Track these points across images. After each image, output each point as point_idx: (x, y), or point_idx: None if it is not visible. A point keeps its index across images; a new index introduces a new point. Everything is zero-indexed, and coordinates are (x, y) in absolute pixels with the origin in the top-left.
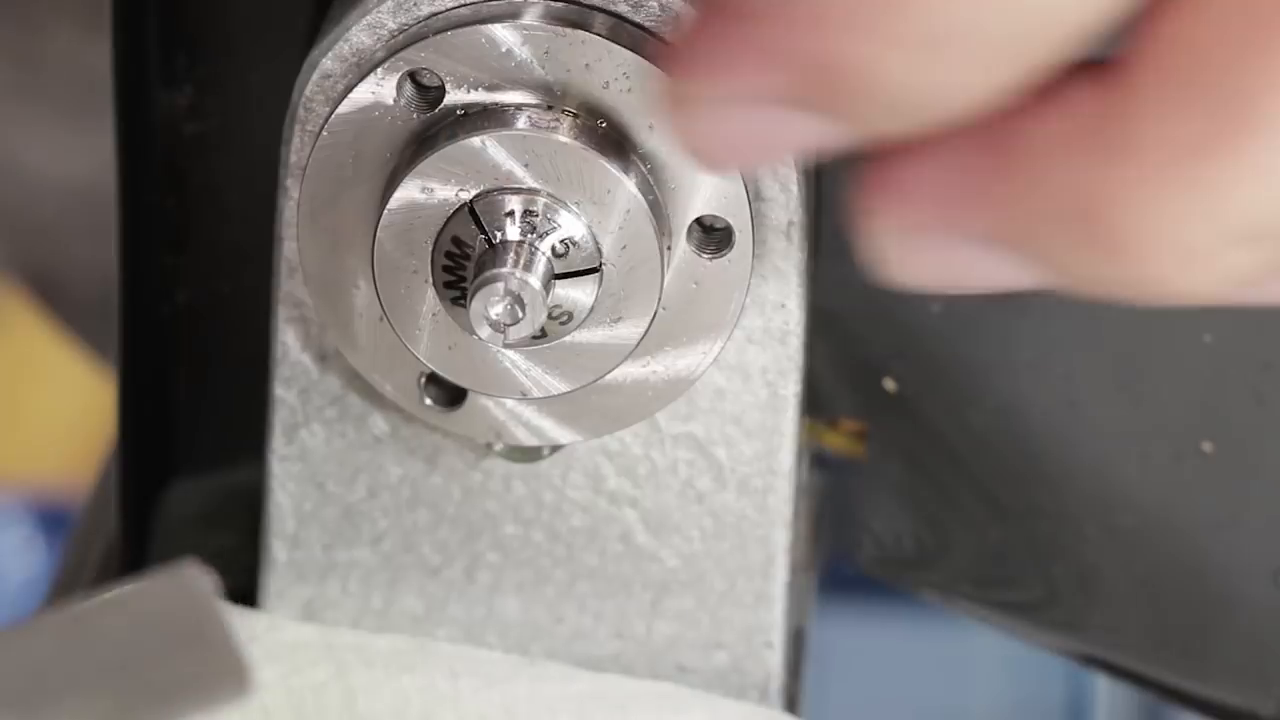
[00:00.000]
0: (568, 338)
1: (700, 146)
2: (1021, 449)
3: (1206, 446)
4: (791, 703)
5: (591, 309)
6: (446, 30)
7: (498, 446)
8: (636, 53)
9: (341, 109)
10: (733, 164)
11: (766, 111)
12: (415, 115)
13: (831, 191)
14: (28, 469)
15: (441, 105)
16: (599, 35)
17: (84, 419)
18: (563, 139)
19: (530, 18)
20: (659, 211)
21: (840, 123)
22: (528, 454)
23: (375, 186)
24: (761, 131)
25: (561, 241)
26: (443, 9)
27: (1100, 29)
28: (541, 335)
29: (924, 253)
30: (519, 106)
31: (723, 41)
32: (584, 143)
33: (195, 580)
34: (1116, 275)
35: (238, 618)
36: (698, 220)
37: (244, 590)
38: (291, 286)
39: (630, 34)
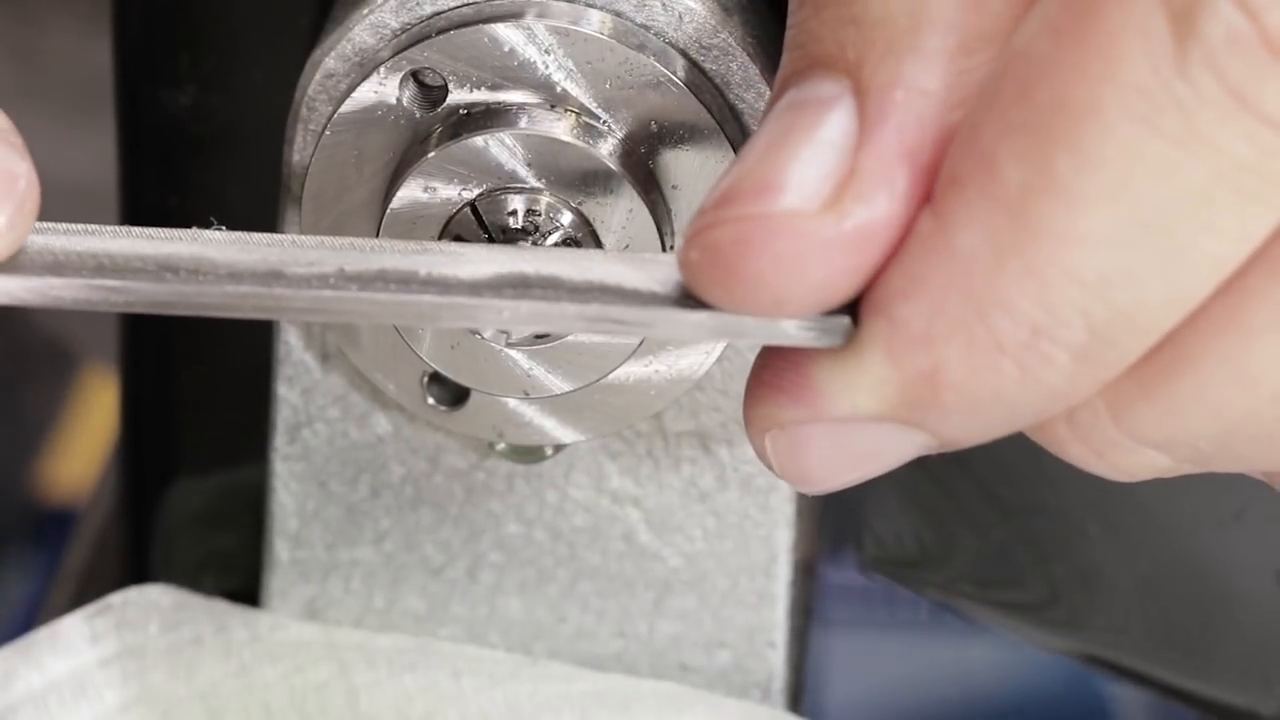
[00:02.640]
0: (570, 337)
1: (794, 470)
2: (1023, 448)
3: None
4: (793, 702)
5: None
6: (449, 30)
7: (500, 446)
8: (640, 52)
9: (344, 108)
10: (829, 485)
11: (869, 430)
12: (418, 114)
13: None
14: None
15: (444, 104)
16: (601, 35)
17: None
18: (565, 138)
19: (533, 17)
20: (661, 210)
21: (935, 434)
22: (530, 454)
23: (378, 186)
24: (863, 451)
25: (564, 240)
26: (445, 8)
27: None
28: (544, 335)
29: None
30: (521, 106)
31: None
32: (586, 142)
33: None
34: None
35: (240, 617)
36: None
37: (247, 589)
38: None
39: (633, 33)
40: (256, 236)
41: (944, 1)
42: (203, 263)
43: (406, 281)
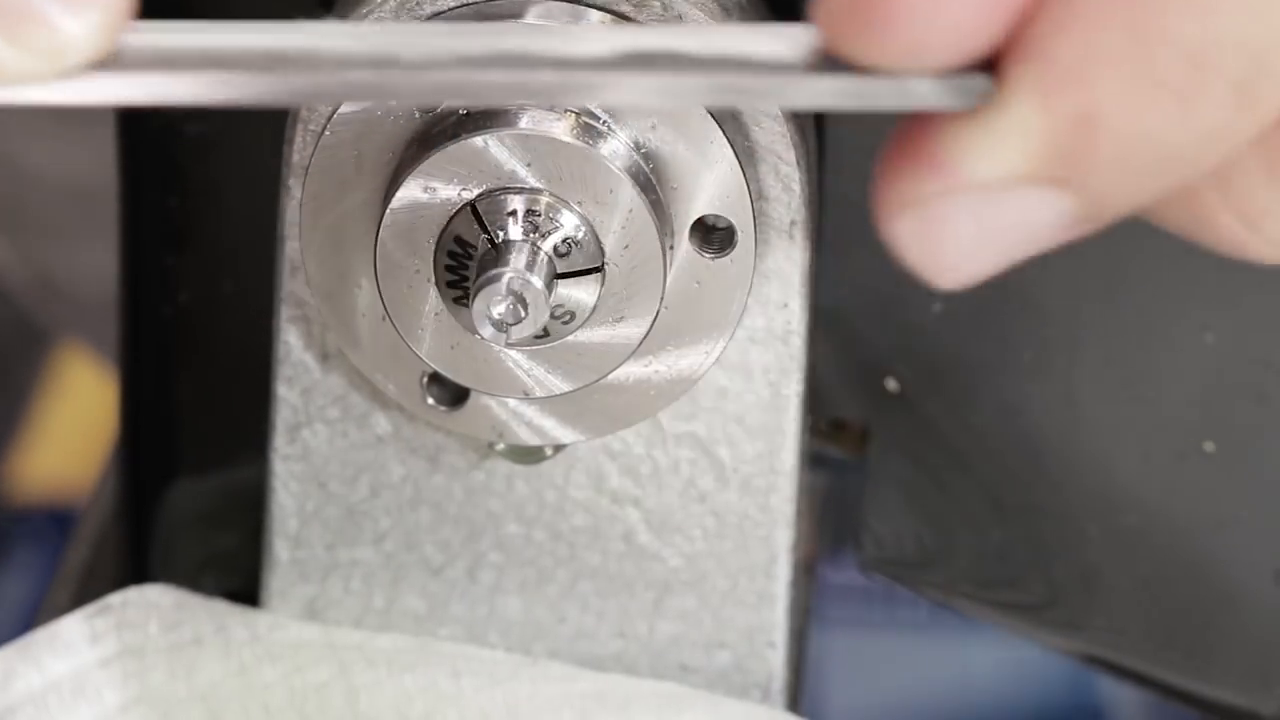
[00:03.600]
0: (570, 337)
1: (932, 255)
2: (1023, 448)
3: (1208, 446)
4: (793, 702)
5: (594, 308)
6: None
7: (500, 446)
8: None
9: (344, 108)
10: (972, 273)
11: (1013, 198)
12: (417, 115)
13: (835, 190)
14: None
15: (444, 104)
16: None
17: (89, 418)
18: (565, 138)
19: (532, 17)
20: (661, 211)
21: (1088, 197)
22: (530, 455)
23: (378, 186)
24: (1007, 225)
25: (564, 241)
26: (445, 8)
27: None
28: (544, 335)
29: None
30: (521, 106)
31: (1015, 61)
32: (586, 142)
33: None
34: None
35: (240, 617)
36: (700, 219)
37: (246, 590)
38: (294, 286)
39: None
40: (367, 26)
41: None
42: (315, 52)
43: (525, 62)
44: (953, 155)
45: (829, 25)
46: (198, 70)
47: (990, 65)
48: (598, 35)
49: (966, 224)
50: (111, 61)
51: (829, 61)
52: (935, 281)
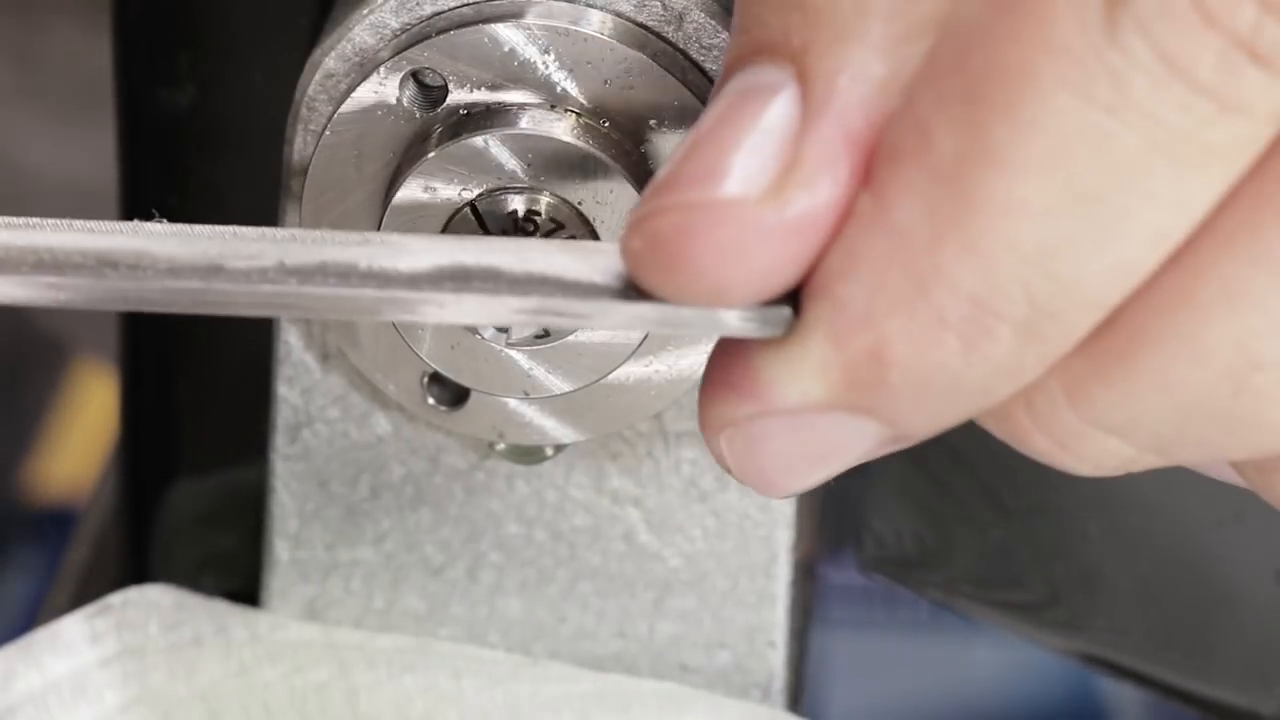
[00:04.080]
0: (570, 337)
1: (752, 471)
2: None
3: None
4: (794, 702)
5: None
6: (449, 30)
7: (500, 446)
8: (640, 52)
9: (344, 108)
10: (789, 486)
11: (821, 422)
12: (418, 114)
13: None
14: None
15: (444, 104)
16: (601, 35)
17: (91, 417)
18: (565, 138)
19: (533, 17)
20: None
21: (890, 423)
22: (531, 455)
23: (378, 186)
24: (819, 445)
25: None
26: (445, 8)
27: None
28: (544, 335)
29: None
30: (522, 106)
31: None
32: (587, 142)
33: None
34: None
35: (240, 617)
36: None
37: (246, 590)
38: None
39: (633, 33)
40: (198, 229)
41: None
42: (143, 257)
43: (346, 275)
44: (761, 381)
45: (632, 263)
46: (29, 273)
47: (795, 295)
48: (421, 249)
49: (781, 445)
50: None
51: (639, 289)
52: (762, 493)
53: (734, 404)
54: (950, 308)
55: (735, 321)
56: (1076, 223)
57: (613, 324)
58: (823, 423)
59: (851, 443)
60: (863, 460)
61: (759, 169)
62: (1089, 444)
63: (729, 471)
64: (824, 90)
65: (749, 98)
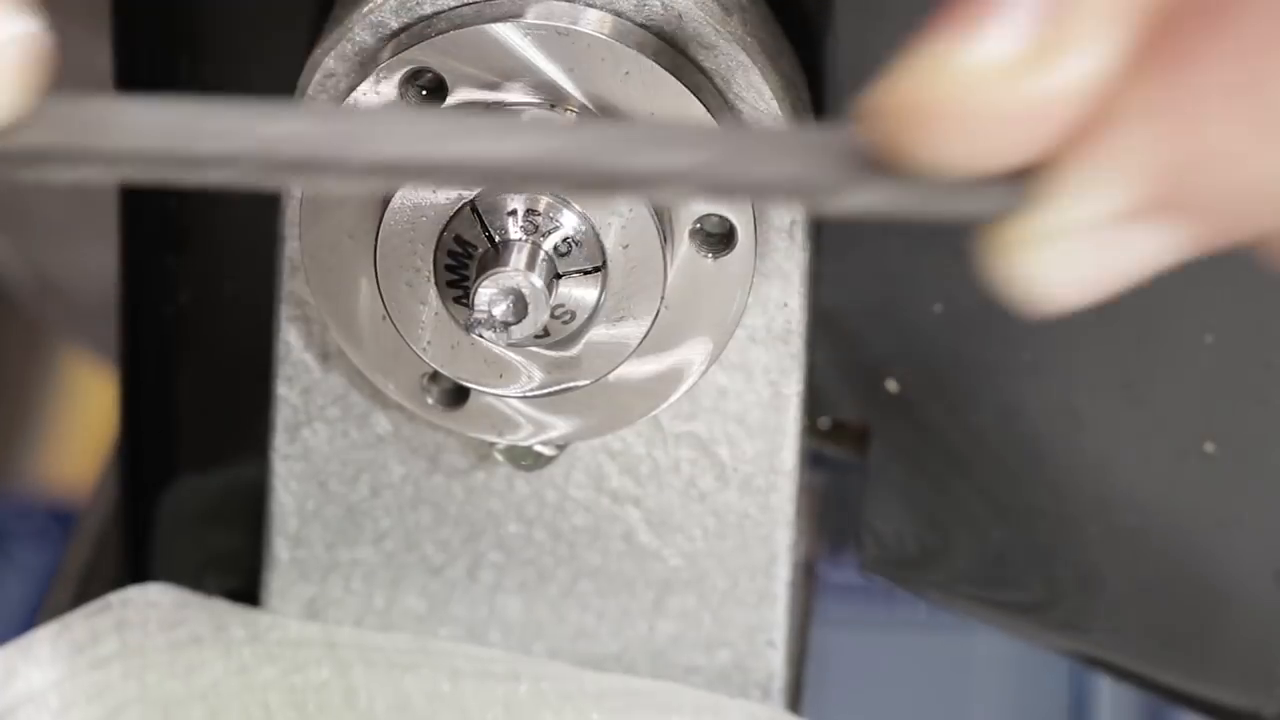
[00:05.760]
0: (571, 337)
1: (1046, 288)
2: (1023, 449)
3: (1208, 447)
4: (793, 702)
5: (594, 308)
6: (449, 30)
7: (500, 447)
8: (639, 51)
9: (344, 107)
10: (1080, 301)
11: (1121, 232)
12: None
13: None
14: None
15: (444, 104)
16: (600, 34)
17: (91, 417)
18: None
19: (532, 17)
20: (661, 210)
21: (1195, 226)
22: (531, 458)
23: None
24: (1116, 256)
25: (564, 240)
26: (445, 8)
27: None
28: (544, 334)
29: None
30: (522, 105)
31: (1084, 159)
32: None
33: None
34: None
35: (240, 616)
36: (700, 219)
37: (246, 589)
38: (294, 285)
39: (632, 33)
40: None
41: None
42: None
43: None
44: (1068, 189)
45: (874, 129)
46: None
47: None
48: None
49: (1082, 256)
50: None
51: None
52: (1038, 308)
53: (1039, 217)
54: None
55: (968, 200)
56: None
57: (850, 205)
58: (1132, 232)
59: (1155, 252)
60: (1160, 269)
61: (1024, 31)
62: None
63: (1016, 291)
64: None
65: None
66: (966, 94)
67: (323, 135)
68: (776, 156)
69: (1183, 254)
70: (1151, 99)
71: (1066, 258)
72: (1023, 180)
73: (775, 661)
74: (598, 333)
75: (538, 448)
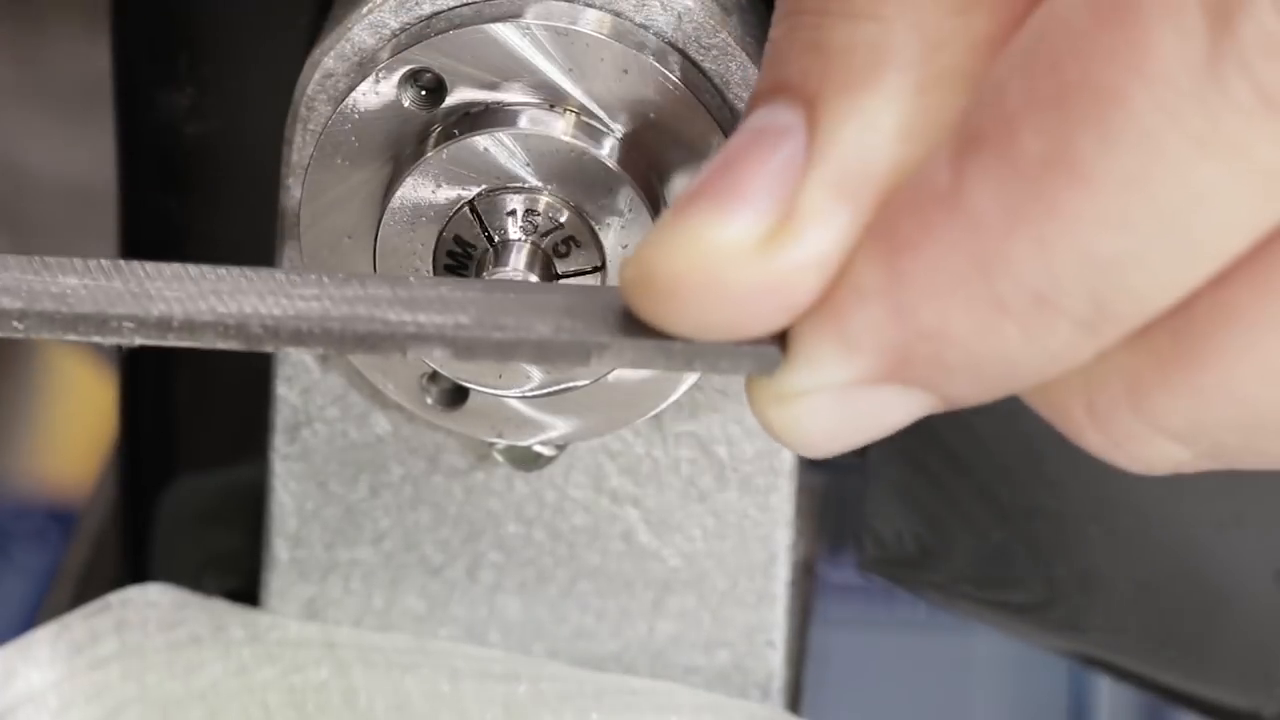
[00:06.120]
0: None
1: (800, 439)
2: (1022, 449)
3: None
4: (793, 702)
5: None
6: (449, 29)
7: (500, 447)
8: (639, 51)
9: (343, 108)
10: (831, 448)
11: (865, 393)
12: (417, 114)
13: None
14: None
15: (444, 104)
16: (600, 34)
17: (91, 416)
18: (564, 138)
19: (532, 17)
20: (661, 210)
21: (939, 394)
22: (530, 459)
23: (377, 186)
24: (862, 413)
25: (564, 241)
26: (444, 8)
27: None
28: None
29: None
30: (521, 105)
31: (818, 333)
32: (586, 142)
33: None
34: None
35: (239, 616)
36: None
37: (246, 589)
38: None
39: (632, 33)
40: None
41: (906, 37)
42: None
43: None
44: (813, 357)
45: (627, 291)
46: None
47: (781, 337)
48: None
49: (830, 413)
50: None
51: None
52: (801, 454)
53: (784, 378)
54: (1013, 296)
55: (724, 361)
56: (1150, 240)
57: (612, 363)
58: (873, 393)
59: (899, 411)
60: (907, 423)
61: (758, 214)
62: (1146, 446)
63: (774, 437)
64: (828, 138)
65: (761, 138)
66: (706, 271)
67: (94, 292)
68: (540, 316)
69: (930, 411)
70: (876, 279)
71: (816, 413)
72: (774, 343)
73: (775, 662)
74: None
75: (537, 448)
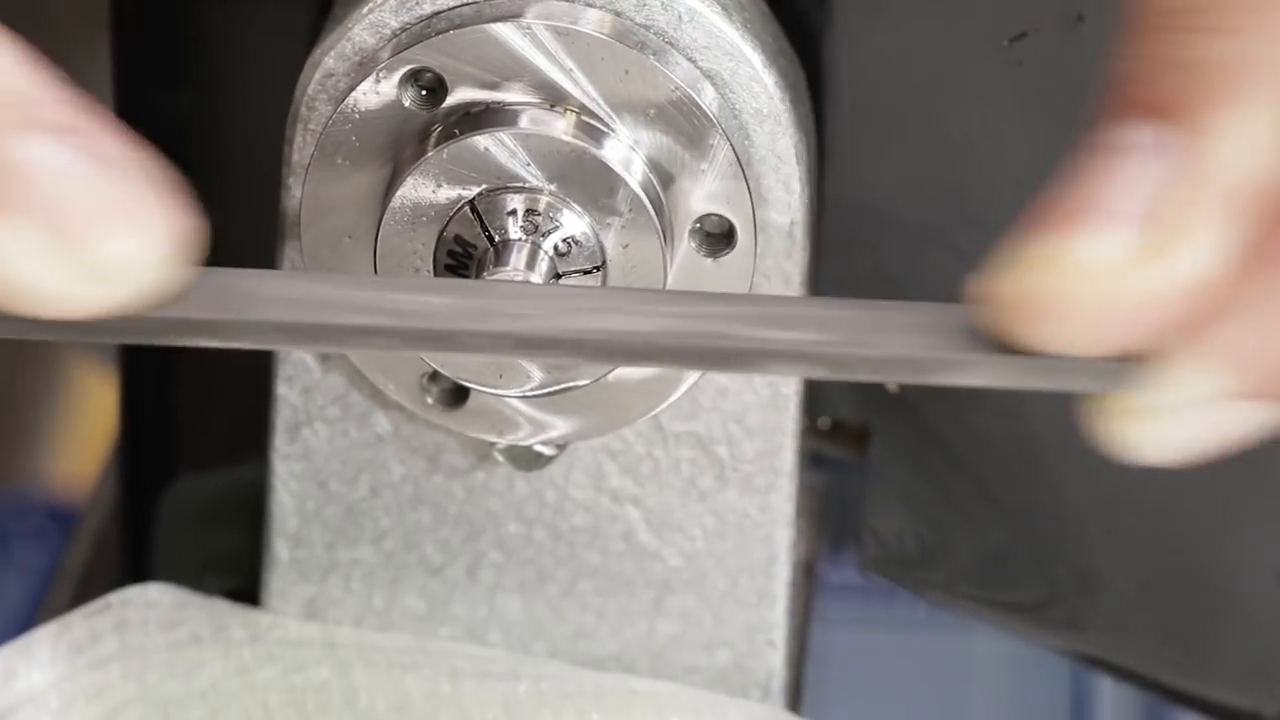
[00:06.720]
0: None
1: (1154, 451)
2: (1023, 449)
3: None
4: (793, 702)
5: None
6: (449, 29)
7: (500, 446)
8: (639, 51)
9: (344, 108)
10: (1179, 460)
11: (1220, 411)
12: (418, 114)
13: (834, 191)
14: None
15: (444, 104)
16: (601, 34)
17: (91, 417)
18: (565, 138)
19: (532, 16)
20: (661, 210)
21: None
22: (531, 459)
23: (378, 185)
24: (1218, 426)
25: (564, 240)
26: (445, 8)
27: None
28: None
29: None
30: (521, 105)
31: (1189, 351)
32: (586, 141)
33: None
34: None
35: (240, 616)
36: (700, 219)
37: (247, 589)
38: None
39: (633, 32)
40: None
41: (1272, 49)
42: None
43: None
44: (1186, 376)
45: (996, 312)
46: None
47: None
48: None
49: (1185, 427)
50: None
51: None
52: (1146, 463)
53: (1151, 394)
54: None
55: (1088, 377)
56: None
57: (969, 380)
58: (1234, 409)
59: (1253, 423)
60: (1256, 436)
61: (1134, 231)
62: None
63: (1119, 449)
64: (1206, 155)
65: (1129, 155)
66: (1077, 289)
67: (456, 309)
68: (899, 334)
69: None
70: (1256, 298)
71: (1167, 429)
72: (1131, 360)
73: (775, 661)
74: None
75: (537, 447)
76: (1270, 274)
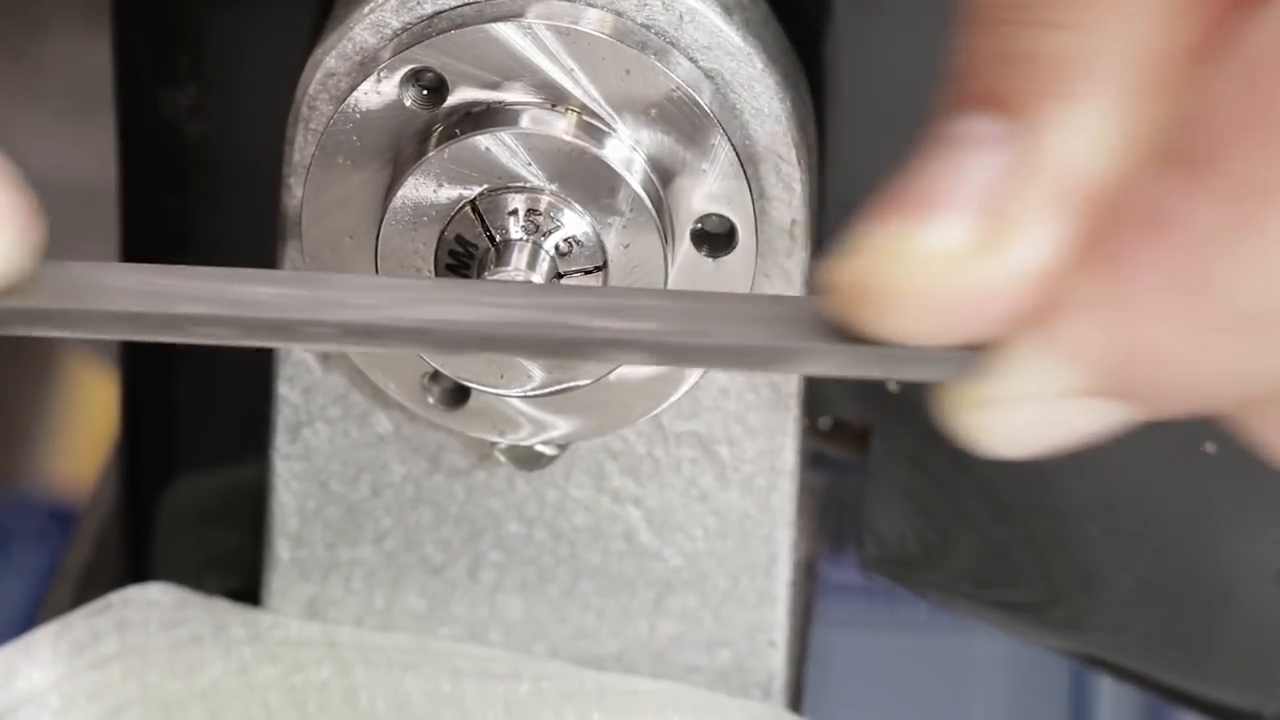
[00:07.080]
0: None
1: (996, 443)
2: None
3: (1209, 447)
4: (794, 702)
5: None
6: (450, 29)
7: (502, 446)
8: (640, 50)
9: (345, 108)
10: (1025, 453)
11: (1067, 405)
12: (419, 114)
13: (835, 191)
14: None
15: (445, 104)
16: (601, 34)
17: (91, 417)
18: (566, 138)
19: (533, 16)
20: (662, 210)
21: (1138, 407)
22: (532, 459)
23: (379, 185)
24: (1061, 421)
25: (565, 240)
26: (446, 7)
27: None
28: None
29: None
30: (522, 105)
31: (1029, 343)
32: (587, 141)
33: None
34: None
35: (240, 616)
36: (701, 219)
37: (247, 588)
38: None
39: (633, 32)
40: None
41: (1114, 47)
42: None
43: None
44: (1018, 371)
45: (836, 300)
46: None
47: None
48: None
49: (1028, 421)
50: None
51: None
52: (993, 456)
53: (991, 385)
54: (1229, 316)
55: (928, 367)
56: None
57: (811, 369)
58: (1077, 403)
59: (1098, 420)
60: (1107, 434)
61: (970, 222)
62: None
63: (966, 440)
64: (1040, 148)
65: (966, 146)
66: (916, 278)
67: (295, 300)
68: (743, 324)
69: (1131, 423)
70: (1093, 294)
71: (1014, 421)
72: (976, 351)
73: (776, 661)
74: None
75: (538, 447)
76: (1105, 270)
